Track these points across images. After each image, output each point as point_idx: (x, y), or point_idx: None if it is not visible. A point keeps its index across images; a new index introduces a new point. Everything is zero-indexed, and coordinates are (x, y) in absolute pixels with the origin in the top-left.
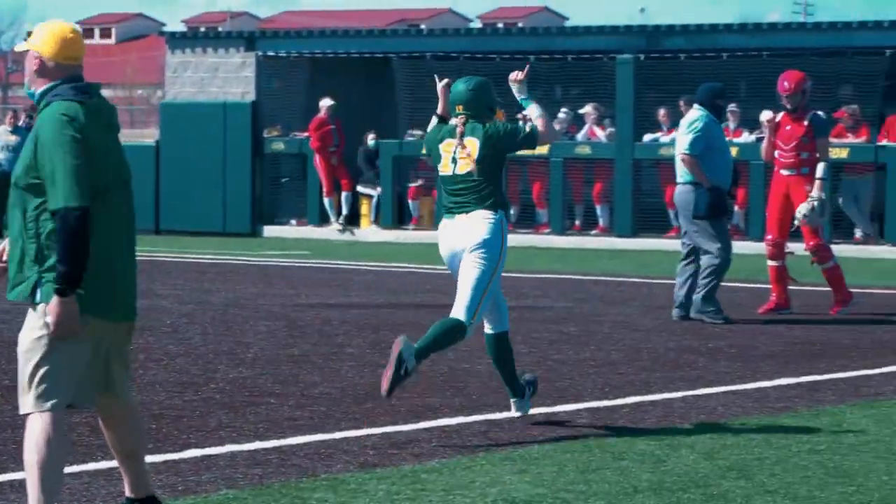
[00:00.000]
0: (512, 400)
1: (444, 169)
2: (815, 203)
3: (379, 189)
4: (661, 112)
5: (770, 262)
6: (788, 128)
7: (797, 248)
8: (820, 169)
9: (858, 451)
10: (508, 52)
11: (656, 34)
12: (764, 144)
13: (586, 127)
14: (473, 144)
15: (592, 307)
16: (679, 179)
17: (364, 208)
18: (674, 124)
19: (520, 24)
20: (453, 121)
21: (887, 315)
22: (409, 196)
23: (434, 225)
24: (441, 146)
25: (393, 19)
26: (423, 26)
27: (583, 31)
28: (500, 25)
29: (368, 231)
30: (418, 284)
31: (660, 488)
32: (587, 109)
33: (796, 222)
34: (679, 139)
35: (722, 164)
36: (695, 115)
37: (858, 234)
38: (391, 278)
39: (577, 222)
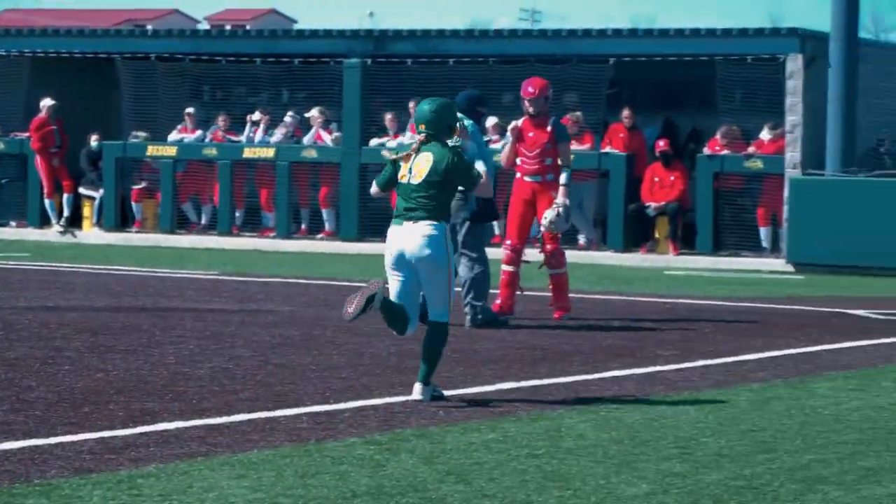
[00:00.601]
0: (417, 383)
1: (402, 178)
2: (561, 209)
3: (101, 191)
4: (388, 117)
5: (505, 267)
6: (531, 134)
7: (532, 254)
8: (564, 175)
9: (577, 456)
10: (235, 55)
11: (384, 39)
12: (506, 151)
13: (313, 131)
14: (428, 159)
15: (316, 311)
16: None
17: (86, 210)
18: (400, 129)
19: (247, 27)
20: (416, 137)
21: (608, 320)
22: (132, 198)
23: (157, 228)
24: (401, 157)
25: (120, 19)
26: (148, 27)
27: (310, 34)
28: (228, 27)
29: (90, 233)
30: (140, 287)
31: (378, 493)
32: (313, 113)
33: (542, 229)
34: None
35: (488, 171)
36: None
37: (582, 240)
38: (113, 281)
39: (304, 226)
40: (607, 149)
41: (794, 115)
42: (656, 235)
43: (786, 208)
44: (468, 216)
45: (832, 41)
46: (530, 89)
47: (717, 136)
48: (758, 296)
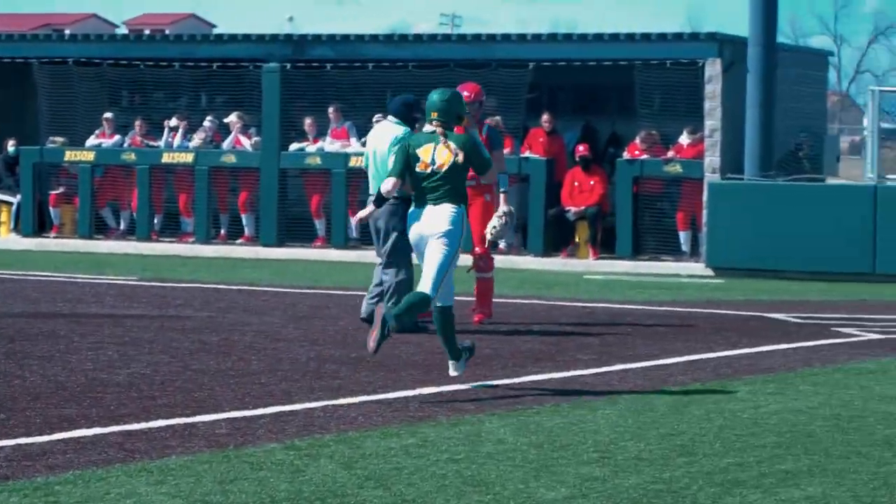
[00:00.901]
0: (451, 362)
1: (423, 167)
2: (506, 217)
3: (19, 196)
4: (308, 121)
5: None
6: None
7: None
8: (502, 181)
9: (496, 460)
10: (153, 59)
11: (302, 43)
12: None
13: (232, 136)
14: (450, 150)
15: (235, 317)
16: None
17: (3, 216)
18: (320, 133)
19: (166, 31)
20: (428, 127)
21: (528, 324)
22: (50, 203)
23: (75, 233)
24: (419, 151)
25: (38, 24)
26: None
27: (229, 39)
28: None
29: (8, 239)
30: (58, 293)
31: (297, 499)
32: (232, 118)
33: (489, 237)
34: (382, 155)
35: None
36: (398, 131)
37: (502, 244)
38: (30, 287)
39: (223, 231)
40: (527, 153)
41: (712, 120)
42: (576, 240)
43: (705, 212)
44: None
45: (750, 46)
46: (465, 94)
47: (637, 141)
48: (677, 300)
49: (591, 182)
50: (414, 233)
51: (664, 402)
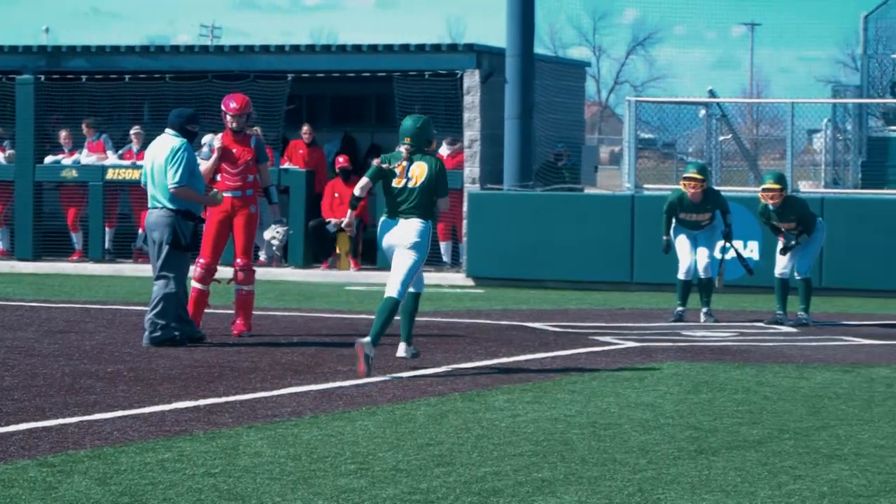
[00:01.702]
0: (402, 344)
1: (397, 183)
2: (283, 226)
3: None
4: (63, 134)
5: (195, 285)
6: (234, 150)
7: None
8: (273, 193)
9: (254, 474)
10: None
11: (57, 55)
12: (208, 166)
13: None
14: (423, 168)
15: None
16: (157, 205)
17: None
18: (77, 145)
19: None
20: (401, 148)
21: (288, 336)
22: None
23: None
24: (395, 168)
25: None
26: None
27: None
28: None
29: None
30: None
31: None
32: None
33: (274, 244)
34: (159, 168)
35: (202, 190)
36: (175, 142)
37: (262, 256)
38: None
39: None
40: (287, 165)
41: (471, 131)
42: (337, 251)
43: (465, 223)
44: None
45: (508, 57)
46: (233, 105)
47: None
48: (438, 310)
49: None
50: (386, 242)
51: (423, 413)
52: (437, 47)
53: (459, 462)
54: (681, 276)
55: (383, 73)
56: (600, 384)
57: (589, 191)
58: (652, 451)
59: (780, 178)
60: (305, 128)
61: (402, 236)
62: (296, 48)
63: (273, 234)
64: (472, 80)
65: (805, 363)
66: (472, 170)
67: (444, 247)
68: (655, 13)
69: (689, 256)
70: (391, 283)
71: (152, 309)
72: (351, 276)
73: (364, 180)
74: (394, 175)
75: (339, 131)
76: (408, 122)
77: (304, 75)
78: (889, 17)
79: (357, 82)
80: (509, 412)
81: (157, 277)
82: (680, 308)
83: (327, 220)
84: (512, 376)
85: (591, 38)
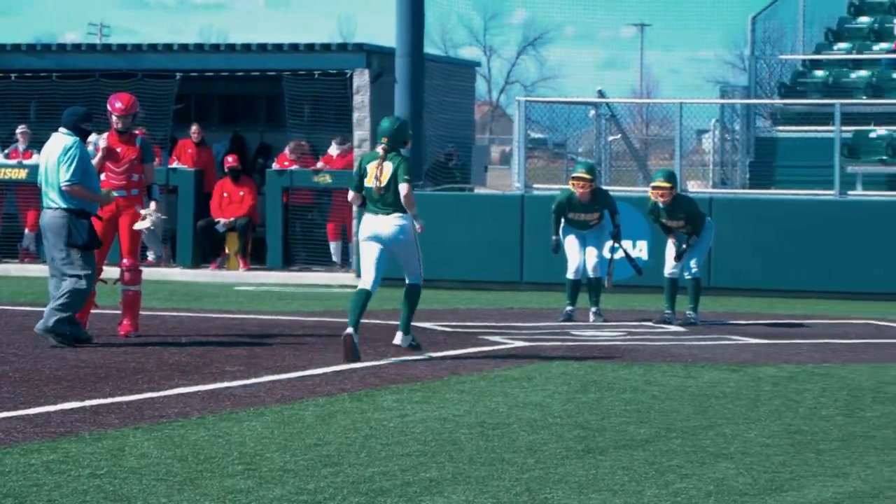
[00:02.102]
0: (400, 333)
1: (369, 182)
2: (154, 213)
3: None
4: None
5: None
6: (119, 150)
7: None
8: (154, 191)
9: (140, 475)
10: None
11: None
12: (94, 162)
13: None
14: (389, 167)
15: None
16: (51, 205)
17: None
18: None
19: None
20: (378, 148)
21: (176, 337)
22: None
23: None
24: (369, 166)
25: None
26: None
27: None
28: None
29: None
30: None
31: None
32: None
33: (146, 225)
34: (52, 166)
35: (97, 188)
36: (68, 140)
37: (151, 256)
38: None
39: None
40: (175, 164)
41: (361, 130)
42: (226, 251)
43: (354, 223)
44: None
45: (398, 57)
46: (119, 105)
47: (287, 151)
48: (327, 310)
49: (241, 193)
50: (369, 231)
51: (311, 413)
52: (326, 47)
53: (347, 462)
54: (570, 275)
55: (273, 73)
56: (489, 384)
57: (479, 191)
58: (540, 451)
59: (670, 177)
60: (194, 127)
61: (385, 231)
62: (184, 47)
63: (145, 216)
64: (361, 79)
65: (693, 362)
66: None
67: (333, 247)
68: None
69: (578, 256)
70: (409, 275)
71: (57, 299)
72: (240, 276)
73: (351, 194)
74: (366, 174)
75: (229, 131)
76: (385, 124)
77: (192, 74)
78: (776, 18)
79: (246, 82)
80: (398, 412)
81: (65, 276)
82: (569, 308)
83: (216, 219)
84: (401, 376)
85: (482, 38)
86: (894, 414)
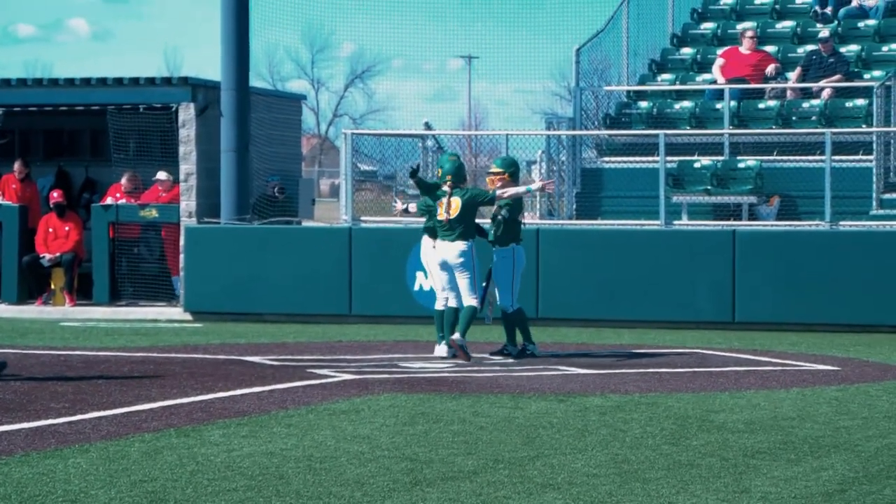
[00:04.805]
0: (443, 345)
1: (440, 216)
2: None
3: None
4: None
5: None
6: None
7: None
8: None
9: None
10: None
11: None
12: None
13: None
14: (457, 202)
15: None
16: None
17: None
18: None
19: None
20: (444, 187)
21: None
22: None
23: None
24: (437, 203)
25: None
26: None
27: None
28: None
29: None
30: None
31: None
32: None
33: None
34: None
35: None
36: None
37: None
38: None
39: None
40: (0, 200)
41: (187, 164)
42: (52, 287)
43: (182, 257)
44: None
45: (223, 90)
46: None
47: (123, 182)
48: (154, 345)
49: (67, 228)
50: (436, 258)
51: (137, 449)
52: (151, 80)
53: (173, 498)
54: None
55: (97, 107)
56: (317, 417)
57: (306, 223)
58: (367, 484)
59: (505, 163)
60: (18, 164)
61: (449, 256)
62: (6, 82)
63: None
64: (187, 113)
65: (520, 393)
66: (188, 203)
67: (175, 280)
68: (373, 46)
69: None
70: (464, 298)
71: None
72: (67, 311)
73: (413, 208)
74: (436, 209)
75: (53, 165)
76: (447, 166)
77: (15, 109)
78: (601, 49)
79: (71, 116)
80: (225, 447)
81: None
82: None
83: (41, 255)
84: (228, 410)
85: (310, 71)
86: (720, 442)
